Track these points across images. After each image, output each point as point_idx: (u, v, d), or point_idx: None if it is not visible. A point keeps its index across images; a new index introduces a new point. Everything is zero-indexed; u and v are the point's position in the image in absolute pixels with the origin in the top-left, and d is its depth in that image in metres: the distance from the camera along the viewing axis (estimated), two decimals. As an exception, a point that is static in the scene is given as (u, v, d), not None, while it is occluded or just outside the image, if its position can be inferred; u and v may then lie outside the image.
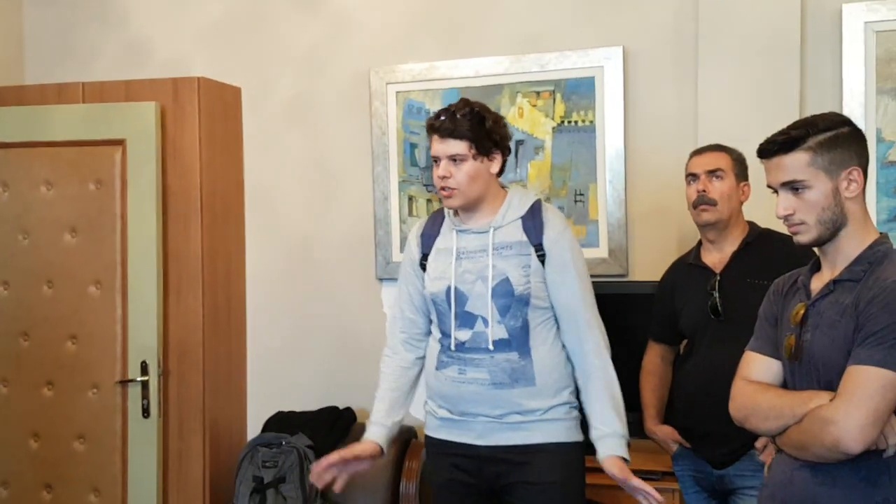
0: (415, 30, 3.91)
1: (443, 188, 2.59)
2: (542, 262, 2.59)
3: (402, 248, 3.88)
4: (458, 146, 2.55)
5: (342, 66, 4.00)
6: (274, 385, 4.09)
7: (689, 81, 3.51)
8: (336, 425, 3.80)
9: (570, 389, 2.64)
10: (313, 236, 4.07)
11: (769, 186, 2.09)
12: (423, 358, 2.78)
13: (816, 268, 2.13)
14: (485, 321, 2.58)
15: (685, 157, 3.11)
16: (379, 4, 3.96)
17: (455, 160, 2.56)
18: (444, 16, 3.87)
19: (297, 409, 3.92)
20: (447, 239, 2.69)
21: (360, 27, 3.98)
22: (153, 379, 3.72)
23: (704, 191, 2.92)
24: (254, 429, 4.04)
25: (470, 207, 2.64)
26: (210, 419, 3.82)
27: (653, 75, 3.59)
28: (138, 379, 3.72)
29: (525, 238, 2.60)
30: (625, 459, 2.53)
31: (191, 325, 3.80)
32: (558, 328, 2.64)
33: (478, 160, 2.57)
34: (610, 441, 2.53)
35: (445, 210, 2.72)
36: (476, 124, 2.55)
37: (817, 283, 2.09)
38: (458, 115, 2.55)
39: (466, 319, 2.61)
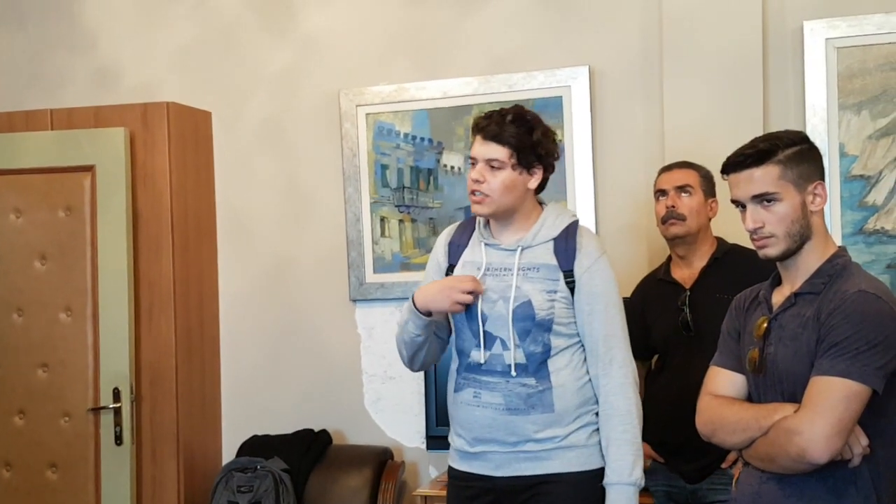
0: (384, 52, 3.93)
1: (473, 192, 2.44)
2: (572, 289, 2.44)
3: (375, 269, 3.90)
4: (499, 152, 2.40)
5: (312, 89, 4.01)
6: (248, 409, 4.07)
7: (654, 99, 3.55)
8: (312, 448, 3.78)
9: (594, 411, 2.48)
10: (286, 258, 4.07)
11: (734, 201, 2.11)
12: (444, 350, 2.65)
13: (777, 282, 2.16)
14: (504, 344, 2.44)
15: (653, 174, 3.15)
16: (348, 27, 3.98)
17: (493, 166, 2.41)
18: (412, 38, 3.90)
19: (273, 432, 3.91)
20: (475, 252, 2.54)
21: (330, 50, 4.00)
22: (126, 405, 3.70)
23: (673, 206, 2.95)
24: (228, 453, 4.01)
25: (499, 218, 2.49)
26: (184, 444, 3.79)
27: (619, 94, 3.63)
28: (111, 406, 3.70)
29: (555, 262, 2.44)
30: None
31: (163, 351, 3.78)
32: (585, 354, 2.50)
33: (516, 171, 2.41)
34: (619, 491, 2.39)
35: (477, 219, 2.57)
36: (523, 133, 2.41)
37: (778, 297, 2.12)
38: (507, 120, 2.41)
39: (485, 340, 2.46)
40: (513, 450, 2.44)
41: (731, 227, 3.00)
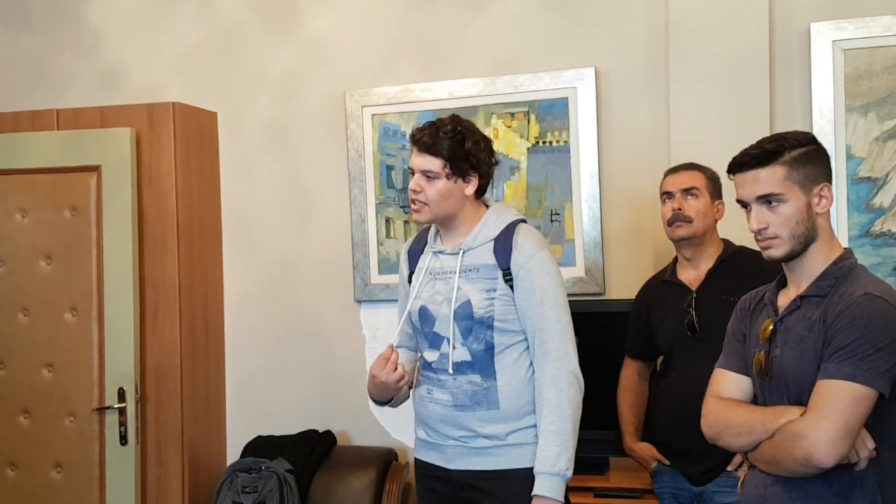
0: (389, 53, 3.93)
1: (413, 201, 2.58)
2: (512, 286, 2.52)
3: (380, 270, 3.91)
4: (433, 163, 2.52)
5: (318, 90, 4.02)
6: (253, 409, 4.08)
7: (660, 101, 3.55)
8: (316, 449, 3.78)
9: None
10: (291, 259, 4.07)
11: (739, 201, 2.11)
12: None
13: (782, 284, 2.15)
14: (449, 342, 2.56)
15: (659, 176, 3.14)
16: (353, 28, 3.98)
17: (428, 176, 2.53)
18: (418, 39, 3.90)
19: (277, 433, 3.91)
20: (425, 259, 2.69)
21: (335, 51, 4.00)
22: (130, 405, 3.70)
23: (680, 209, 2.95)
24: (233, 454, 4.01)
25: (442, 224, 2.63)
26: (189, 445, 3.79)
27: (625, 95, 3.62)
28: (115, 406, 3.70)
29: (494, 261, 2.54)
30: (555, 499, 2.43)
31: (168, 351, 3.78)
32: None
33: (451, 180, 2.53)
34: (542, 480, 2.43)
35: (431, 228, 2.71)
36: (456, 144, 2.52)
37: (784, 300, 2.11)
38: (440, 132, 2.52)
39: (434, 340, 2.60)
40: (463, 444, 2.55)
41: (738, 228, 3.00)
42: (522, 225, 2.61)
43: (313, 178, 4.04)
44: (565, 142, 3.65)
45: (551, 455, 2.43)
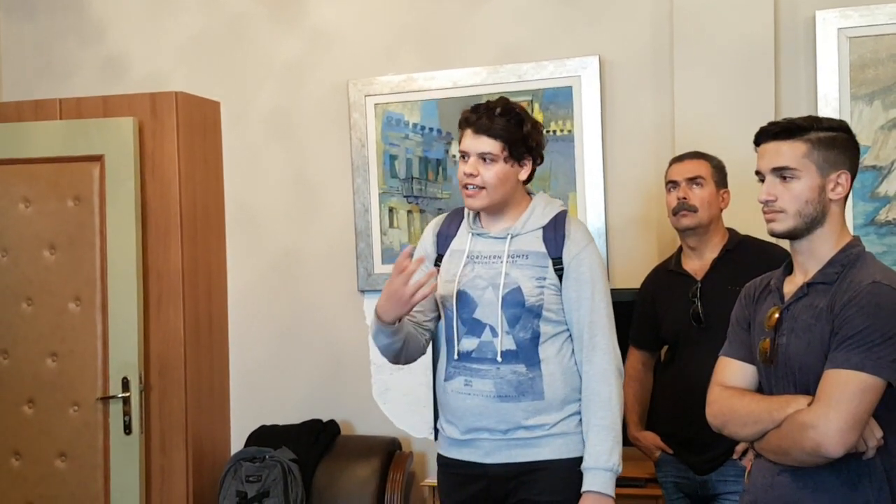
0: (392, 42, 3.92)
1: (466, 186, 2.46)
2: (560, 276, 2.46)
3: (383, 260, 3.90)
4: (492, 145, 2.42)
5: (321, 79, 4.01)
6: (257, 399, 4.08)
7: (665, 90, 3.54)
8: (320, 438, 3.79)
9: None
10: (294, 249, 4.07)
11: (757, 173, 2.10)
12: (428, 340, 2.64)
13: (789, 270, 2.14)
14: (493, 331, 2.46)
15: (663, 166, 3.13)
16: (356, 17, 3.97)
17: (485, 159, 2.43)
18: (421, 28, 3.88)
19: (281, 422, 3.91)
20: (462, 241, 2.57)
21: (338, 40, 3.99)
22: (135, 395, 3.71)
23: (685, 198, 2.93)
24: (237, 443, 4.02)
25: (492, 211, 2.52)
26: (192, 434, 3.80)
27: (629, 84, 3.61)
28: (119, 395, 3.71)
29: (544, 249, 2.47)
30: (609, 495, 2.40)
31: (172, 341, 3.79)
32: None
33: (508, 163, 2.44)
34: (594, 475, 2.40)
35: (465, 211, 2.60)
36: (514, 126, 2.44)
37: (790, 287, 2.10)
38: (496, 113, 2.43)
39: (474, 327, 2.49)
40: (503, 437, 2.46)
41: (743, 217, 3.00)
42: (571, 216, 2.56)
43: (316, 168, 4.03)
44: (569, 131, 3.64)
45: (605, 451, 2.39)
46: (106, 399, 3.74)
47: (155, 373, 3.79)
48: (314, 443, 3.76)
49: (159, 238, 3.79)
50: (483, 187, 2.45)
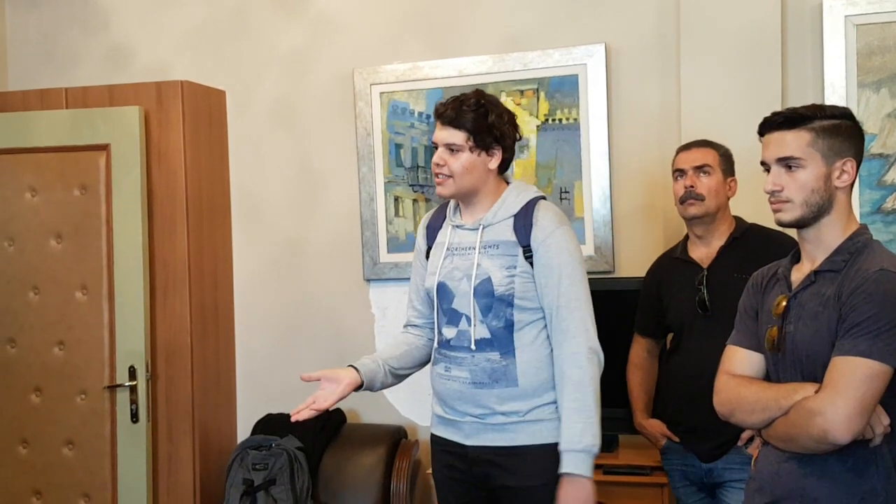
0: (398, 30, 3.91)
1: (437, 175, 2.58)
2: (531, 263, 2.53)
3: (389, 249, 3.90)
4: (456, 136, 2.52)
5: (326, 68, 4.00)
6: (263, 387, 4.09)
7: (671, 78, 3.53)
8: (326, 426, 3.80)
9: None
10: (300, 238, 4.07)
11: (762, 163, 2.10)
12: (431, 341, 2.75)
13: (796, 259, 2.14)
14: (468, 320, 2.55)
15: (669, 154, 3.13)
16: (362, 6, 3.96)
17: (452, 149, 2.54)
18: (426, 16, 3.87)
19: (287, 410, 3.89)
20: (444, 233, 2.68)
21: (344, 28, 3.98)
22: (141, 383, 3.72)
23: (692, 186, 2.93)
24: (243, 431, 4.03)
25: (462, 199, 2.61)
26: (199, 422, 3.81)
27: (636, 72, 3.60)
28: (126, 384, 3.72)
29: (514, 238, 2.54)
30: (583, 476, 2.43)
31: (178, 329, 3.80)
32: None
33: (474, 153, 2.53)
34: (568, 458, 2.44)
35: (450, 203, 2.70)
36: (479, 117, 2.52)
37: (797, 275, 2.10)
38: (464, 106, 2.53)
39: (453, 317, 2.59)
40: (481, 421, 2.55)
41: (750, 206, 2.99)
42: (542, 202, 2.61)
43: (322, 157, 4.03)
44: (575, 119, 3.63)
45: (576, 432, 2.44)
46: (113, 387, 3.75)
47: (161, 361, 3.80)
48: (320, 431, 3.77)
49: (165, 227, 3.80)
50: (451, 176, 2.55)
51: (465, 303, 2.56)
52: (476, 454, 2.56)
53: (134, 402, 3.71)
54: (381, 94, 3.88)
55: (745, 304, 2.23)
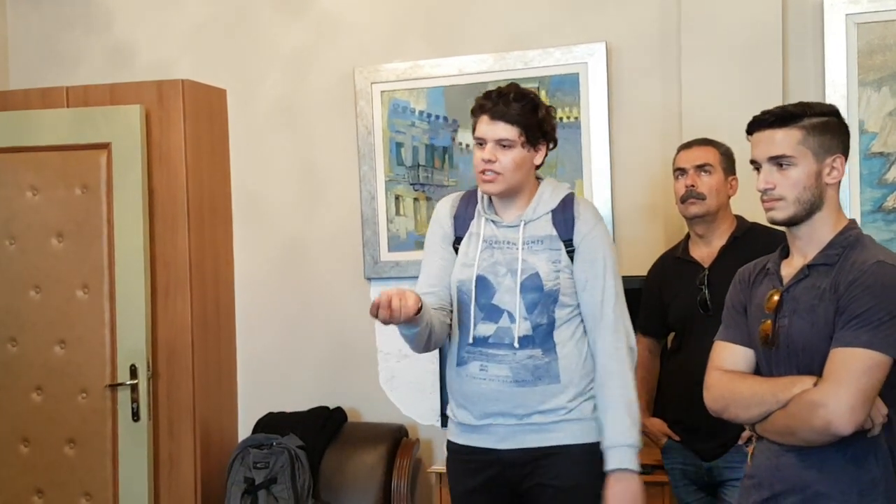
0: (398, 29, 3.91)
1: (484, 171, 2.46)
2: (572, 257, 2.48)
3: (390, 248, 3.89)
4: (509, 131, 2.43)
5: (327, 67, 4.00)
6: (264, 386, 4.09)
7: (672, 76, 3.52)
8: (327, 425, 3.80)
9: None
10: (301, 237, 4.07)
11: (752, 162, 2.10)
12: (450, 325, 2.56)
13: (785, 254, 2.15)
14: (511, 316, 2.46)
15: (670, 153, 3.12)
16: (363, 5, 3.96)
17: (503, 145, 2.44)
18: (427, 15, 3.87)
19: (288, 409, 3.92)
20: (477, 225, 2.57)
21: (344, 27, 3.98)
22: (142, 382, 3.72)
23: (693, 185, 2.93)
24: (244, 430, 4.03)
25: (507, 196, 2.52)
26: (200, 421, 3.81)
27: (636, 71, 3.60)
28: (128, 382, 3.72)
29: (555, 232, 2.49)
30: (634, 471, 2.41)
31: (179, 328, 3.80)
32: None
33: (525, 148, 2.46)
34: (616, 453, 2.41)
35: (478, 195, 2.59)
36: (529, 111, 2.45)
37: (789, 269, 2.11)
38: (511, 99, 2.44)
39: (491, 313, 2.49)
40: (518, 422, 2.46)
41: (751, 204, 2.98)
42: (579, 197, 2.59)
43: (323, 156, 4.03)
44: (576, 118, 3.63)
45: (625, 427, 2.41)
46: (114, 386, 3.75)
47: (163, 360, 3.80)
48: (321, 430, 3.77)
49: (166, 226, 3.80)
50: (500, 173, 2.46)
51: (509, 298, 2.47)
52: (511, 458, 2.47)
53: (135, 400, 3.72)
54: (382, 92, 3.88)
55: (733, 300, 2.22)
